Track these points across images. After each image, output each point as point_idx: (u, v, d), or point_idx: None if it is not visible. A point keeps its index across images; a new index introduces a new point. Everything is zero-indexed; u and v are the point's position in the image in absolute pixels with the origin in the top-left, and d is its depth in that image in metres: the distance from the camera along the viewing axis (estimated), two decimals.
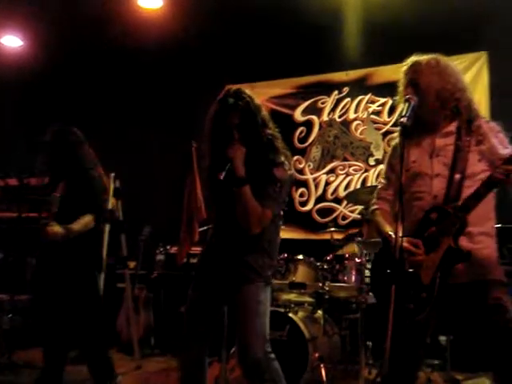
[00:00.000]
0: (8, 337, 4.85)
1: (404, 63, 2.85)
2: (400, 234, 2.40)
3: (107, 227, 4.97)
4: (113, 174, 5.18)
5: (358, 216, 6.33)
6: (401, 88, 2.83)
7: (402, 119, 2.53)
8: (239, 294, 2.97)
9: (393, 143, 2.97)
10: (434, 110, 2.73)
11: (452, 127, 2.74)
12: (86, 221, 3.86)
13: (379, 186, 3.00)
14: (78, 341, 4.03)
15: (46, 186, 4.17)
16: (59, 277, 3.82)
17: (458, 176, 2.61)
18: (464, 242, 2.54)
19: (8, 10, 6.28)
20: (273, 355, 2.93)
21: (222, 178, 2.85)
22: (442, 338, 4.57)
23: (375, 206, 2.96)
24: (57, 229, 3.75)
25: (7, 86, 7.90)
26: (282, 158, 3.02)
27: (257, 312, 2.93)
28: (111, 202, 5.14)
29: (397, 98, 2.86)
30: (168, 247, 6.71)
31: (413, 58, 2.83)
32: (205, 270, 3.11)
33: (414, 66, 2.79)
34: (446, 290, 2.52)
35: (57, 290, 3.83)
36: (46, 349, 3.87)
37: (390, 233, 2.67)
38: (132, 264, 6.39)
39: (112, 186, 5.14)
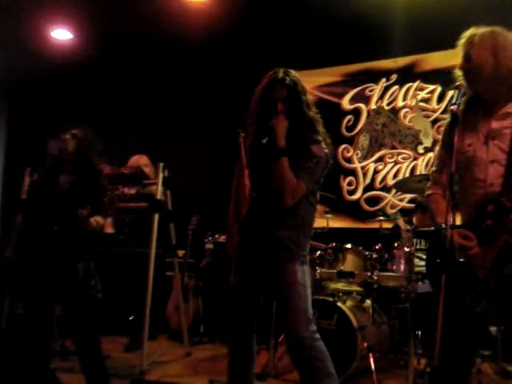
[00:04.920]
0: (60, 323, 4.95)
1: (462, 37, 2.70)
2: (450, 223, 2.35)
3: (156, 216, 5.02)
4: (161, 164, 5.22)
5: (407, 204, 6.29)
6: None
7: (451, 107, 2.47)
8: (277, 276, 3.00)
9: (446, 122, 2.79)
10: (490, 87, 2.60)
11: (510, 108, 2.60)
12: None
13: (433, 169, 2.89)
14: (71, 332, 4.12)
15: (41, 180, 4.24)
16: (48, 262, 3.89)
17: None
18: None
19: (58, 4, 6.38)
20: (318, 335, 2.93)
21: (264, 141, 3.00)
22: (493, 329, 4.50)
23: (429, 191, 2.85)
24: (99, 219, 3.87)
25: (57, 78, 8.06)
26: (320, 138, 3.05)
27: (296, 293, 2.93)
28: (160, 192, 5.18)
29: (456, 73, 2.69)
30: (216, 236, 6.77)
31: (471, 30, 2.67)
32: (242, 254, 3.14)
33: (469, 39, 2.64)
34: (501, 281, 2.45)
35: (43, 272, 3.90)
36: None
37: (442, 224, 2.51)
38: (181, 253, 6.47)
39: (161, 176, 5.18)
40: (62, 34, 7.17)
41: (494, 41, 2.60)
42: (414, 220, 4.86)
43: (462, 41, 2.69)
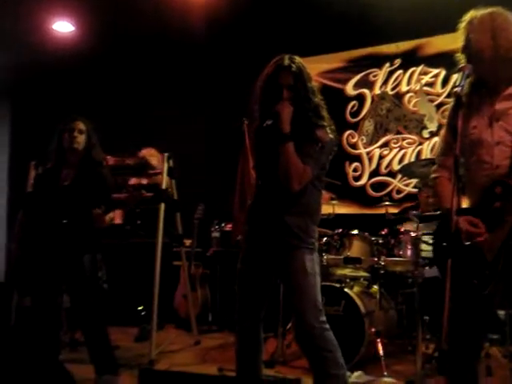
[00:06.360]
0: (69, 315, 4.98)
1: (462, 20, 2.69)
2: (456, 207, 2.34)
3: (162, 206, 5.02)
4: (166, 154, 5.22)
5: (413, 189, 6.27)
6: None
7: (455, 89, 2.46)
8: (285, 264, 2.99)
9: (451, 105, 2.78)
10: (492, 70, 2.58)
11: None
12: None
13: (438, 153, 2.87)
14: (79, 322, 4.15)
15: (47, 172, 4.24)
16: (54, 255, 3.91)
17: None
18: None
19: None
20: (327, 325, 2.92)
21: (268, 123, 3.00)
22: (501, 313, 4.49)
23: (435, 174, 2.83)
24: (111, 214, 3.90)
25: (60, 71, 8.05)
26: (325, 124, 3.04)
27: (305, 282, 2.93)
28: (165, 182, 5.19)
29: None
30: (223, 224, 6.78)
31: (471, 13, 2.66)
32: (250, 242, 3.13)
33: (468, 23, 2.64)
34: (510, 264, 2.44)
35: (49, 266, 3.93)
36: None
37: (448, 207, 2.46)
38: (188, 242, 6.47)
39: (166, 166, 5.18)
40: (63, 27, 7.15)
41: (494, 23, 2.58)
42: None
43: (462, 24, 2.67)
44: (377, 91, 6.97)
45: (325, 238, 5.04)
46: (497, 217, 2.46)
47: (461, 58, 2.67)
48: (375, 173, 6.88)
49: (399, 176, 6.60)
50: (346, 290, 4.63)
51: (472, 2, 2.77)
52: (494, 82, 2.62)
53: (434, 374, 4.20)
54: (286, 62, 3.01)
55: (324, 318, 2.93)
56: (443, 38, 6.28)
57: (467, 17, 2.67)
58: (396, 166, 6.67)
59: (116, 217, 5.31)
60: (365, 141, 6.98)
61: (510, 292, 2.51)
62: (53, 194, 3.97)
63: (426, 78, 6.66)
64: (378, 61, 6.97)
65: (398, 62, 6.84)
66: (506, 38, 2.55)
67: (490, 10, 2.64)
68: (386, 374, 4.30)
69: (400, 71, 6.84)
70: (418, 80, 6.71)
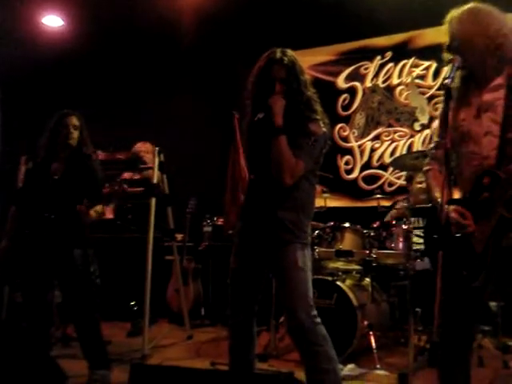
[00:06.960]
0: (61, 310, 4.96)
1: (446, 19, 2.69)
2: (446, 199, 2.35)
3: (153, 201, 5.01)
4: (157, 149, 5.21)
5: (404, 182, 6.27)
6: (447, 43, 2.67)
7: (445, 81, 2.46)
8: (277, 259, 2.98)
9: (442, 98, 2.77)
10: (481, 60, 2.58)
11: (501, 79, 2.57)
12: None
13: (432, 145, 2.86)
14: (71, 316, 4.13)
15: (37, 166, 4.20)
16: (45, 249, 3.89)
17: (510, 135, 2.46)
18: None
19: None
20: (318, 319, 2.91)
21: (260, 116, 3.00)
22: (493, 304, 4.51)
23: (427, 167, 2.84)
24: (98, 208, 3.88)
25: (50, 65, 8.00)
26: (318, 117, 3.03)
27: (296, 278, 2.92)
28: (156, 176, 5.18)
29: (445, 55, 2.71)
30: (215, 218, 6.77)
31: (452, 12, 2.65)
32: (243, 235, 3.12)
33: (454, 18, 2.64)
34: (499, 255, 2.44)
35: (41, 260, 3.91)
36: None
37: (439, 199, 2.53)
38: (179, 236, 6.46)
39: (157, 160, 5.16)
40: (53, 21, 7.11)
41: (479, 17, 2.59)
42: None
43: (448, 19, 2.68)
44: (368, 84, 6.97)
45: (316, 231, 5.03)
46: (485, 207, 2.47)
47: (447, 55, 2.67)
48: (367, 166, 6.89)
49: (391, 169, 6.61)
50: (338, 282, 4.64)
51: None
52: (481, 72, 2.62)
53: (426, 366, 4.21)
54: (278, 55, 2.99)
55: (315, 313, 2.92)
56: (434, 31, 6.26)
57: (453, 12, 2.67)
58: (387, 159, 6.68)
59: (107, 212, 5.30)
60: (356, 134, 6.98)
61: (501, 283, 2.52)
62: (43, 188, 3.95)
63: (417, 71, 6.66)
64: (369, 53, 6.97)
65: (389, 54, 6.84)
66: (494, 29, 2.55)
67: (472, 5, 2.65)
68: (378, 366, 4.31)
69: (391, 64, 6.84)
70: (409, 72, 6.71)
